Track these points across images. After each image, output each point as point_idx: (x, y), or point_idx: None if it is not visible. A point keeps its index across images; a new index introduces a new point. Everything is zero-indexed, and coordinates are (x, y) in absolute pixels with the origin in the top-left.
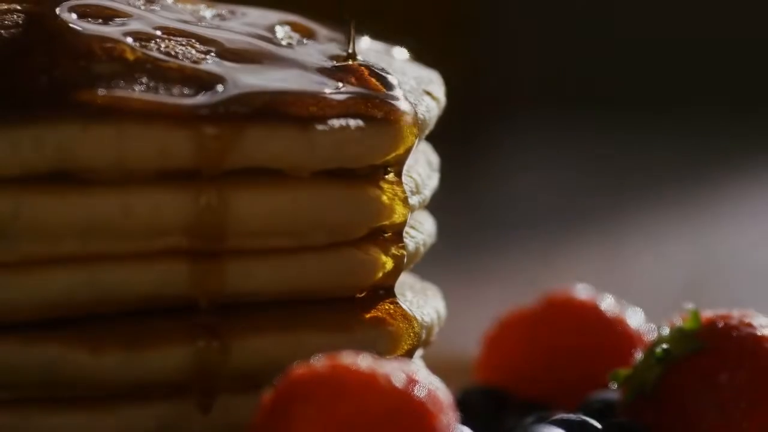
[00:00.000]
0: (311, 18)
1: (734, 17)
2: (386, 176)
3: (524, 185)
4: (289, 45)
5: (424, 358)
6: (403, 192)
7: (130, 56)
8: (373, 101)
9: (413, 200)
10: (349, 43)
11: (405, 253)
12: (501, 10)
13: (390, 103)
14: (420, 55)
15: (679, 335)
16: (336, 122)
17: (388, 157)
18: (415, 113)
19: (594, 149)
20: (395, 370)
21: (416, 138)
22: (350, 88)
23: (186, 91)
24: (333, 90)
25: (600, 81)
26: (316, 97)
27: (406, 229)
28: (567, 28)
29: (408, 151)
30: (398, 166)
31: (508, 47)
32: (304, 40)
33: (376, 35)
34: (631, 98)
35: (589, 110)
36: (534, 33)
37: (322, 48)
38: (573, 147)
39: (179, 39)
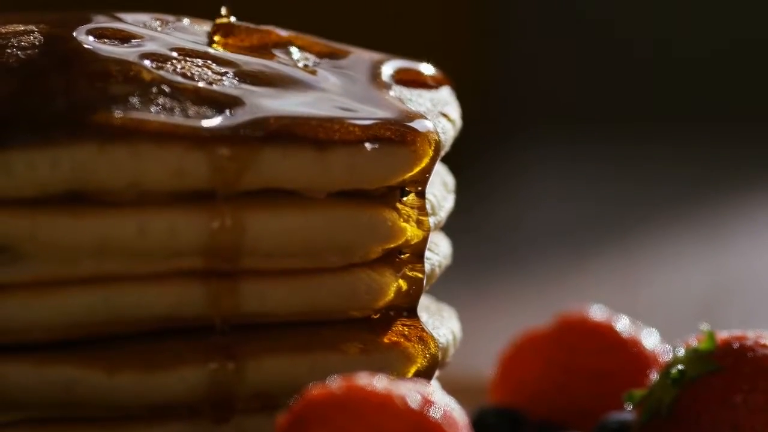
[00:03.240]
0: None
1: (753, 31)
2: (404, 198)
3: (538, 206)
4: (306, 67)
5: (440, 378)
6: (421, 213)
7: (146, 77)
8: (390, 124)
9: (429, 221)
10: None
11: (422, 275)
12: (516, 28)
13: (406, 125)
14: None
15: (694, 356)
16: (352, 144)
17: (404, 179)
18: (432, 134)
19: (608, 169)
20: (411, 391)
21: (432, 160)
22: (367, 112)
23: (202, 112)
24: (350, 115)
25: (615, 99)
26: (333, 122)
27: None
28: (583, 45)
29: (425, 173)
30: (419, 186)
31: (523, 65)
32: (320, 62)
33: (391, 56)
34: (647, 117)
35: (604, 130)
36: (550, 51)
37: (337, 70)
38: (587, 167)
39: (195, 60)
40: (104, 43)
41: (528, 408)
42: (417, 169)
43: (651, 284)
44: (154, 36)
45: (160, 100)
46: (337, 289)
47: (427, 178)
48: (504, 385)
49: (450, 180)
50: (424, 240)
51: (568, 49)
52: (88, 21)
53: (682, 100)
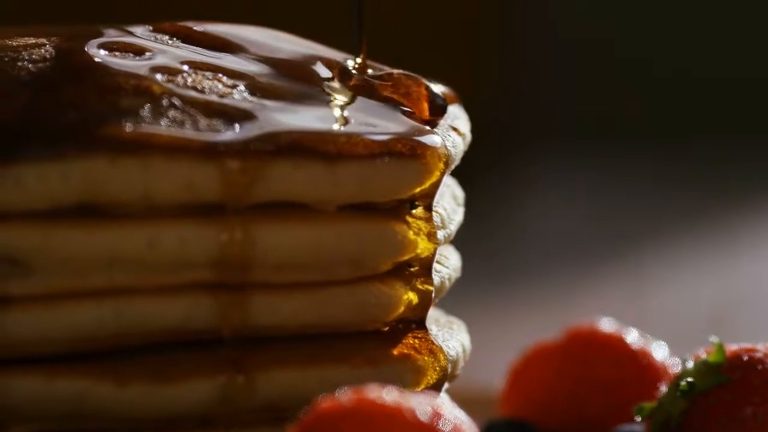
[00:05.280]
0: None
1: (756, 55)
2: (413, 211)
3: (547, 218)
4: (318, 80)
5: (450, 391)
6: (431, 227)
7: (156, 91)
8: (401, 138)
9: (439, 235)
10: (359, 55)
11: (432, 288)
12: (522, 39)
13: (417, 139)
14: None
15: (703, 368)
16: (362, 158)
17: (414, 192)
18: (442, 148)
19: (616, 181)
20: (421, 404)
21: (442, 173)
22: (377, 127)
23: (212, 125)
24: (360, 129)
25: (622, 113)
26: (343, 136)
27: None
28: (585, 58)
29: (435, 186)
30: (427, 200)
31: (527, 77)
32: (333, 75)
33: (399, 69)
34: (654, 131)
35: (612, 143)
36: (554, 64)
37: (349, 84)
38: (595, 180)
39: (206, 73)
40: (115, 56)
41: (538, 420)
42: (427, 183)
43: (660, 296)
44: (165, 49)
45: (171, 114)
46: (347, 302)
47: (434, 192)
48: (514, 397)
49: (460, 193)
50: (433, 253)
51: (571, 62)
52: (99, 34)
53: (689, 113)
